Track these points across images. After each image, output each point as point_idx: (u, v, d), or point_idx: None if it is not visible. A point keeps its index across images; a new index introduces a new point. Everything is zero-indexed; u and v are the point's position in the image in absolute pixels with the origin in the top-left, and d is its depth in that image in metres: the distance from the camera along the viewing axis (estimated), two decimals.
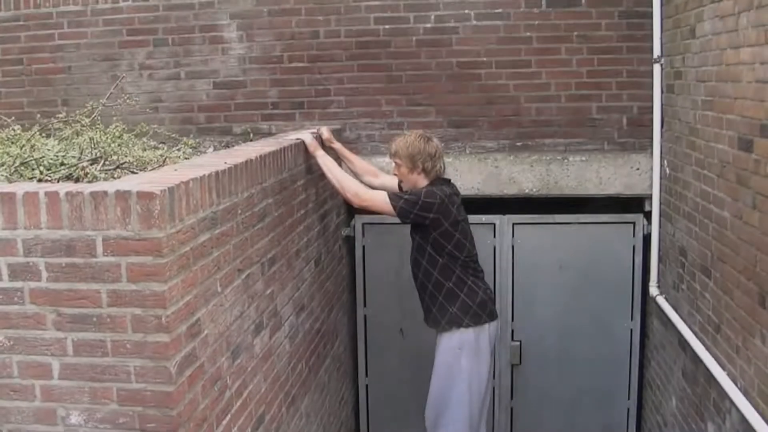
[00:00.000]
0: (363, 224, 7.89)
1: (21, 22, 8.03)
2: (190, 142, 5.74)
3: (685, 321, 6.41)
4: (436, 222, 5.90)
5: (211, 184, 3.83)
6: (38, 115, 6.42)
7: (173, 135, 6.14)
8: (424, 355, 7.81)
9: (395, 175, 6.23)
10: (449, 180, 6.31)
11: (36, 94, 8.07)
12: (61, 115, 5.52)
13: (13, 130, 5.31)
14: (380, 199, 5.83)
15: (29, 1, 8.04)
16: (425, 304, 6.26)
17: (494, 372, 7.89)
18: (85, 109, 5.44)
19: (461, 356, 6.11)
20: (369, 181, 6.46)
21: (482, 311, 6.12)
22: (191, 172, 3.79)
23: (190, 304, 3.59)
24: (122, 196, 3.26)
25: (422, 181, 6.04)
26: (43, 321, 3.42)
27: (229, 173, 4.09)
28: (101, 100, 5.70)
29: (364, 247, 7.95)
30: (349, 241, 7.86)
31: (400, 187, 6.28)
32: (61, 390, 3.47)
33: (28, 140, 4.97)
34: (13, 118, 5.78)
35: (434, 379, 6.30)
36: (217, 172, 3.92)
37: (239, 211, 4.26)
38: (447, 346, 6.17)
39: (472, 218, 7.55)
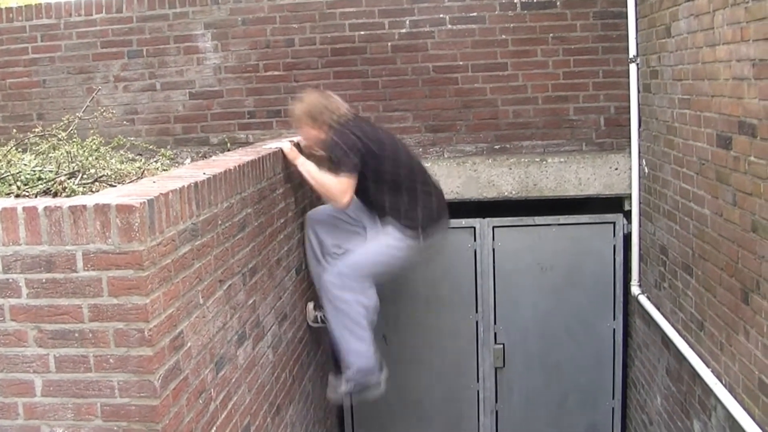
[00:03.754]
0: None
1: None
2: (167, 154, 5.72)
3: (667, 319, 6.43)
4: (369, 152, 5.85)
5: (190, 195, 3.80)
6: (14, 130, 6.37)
7: (150, 147, 6.11)
8: (408, 361, 7.83)
9: (307, 147, 6.13)
10: (357, 114, 6.28)
11: (11, 109, 8.01)
12: (37, 130, 5.49)
13: None
14: (346, 182, 5.74)
15: (1, 16, 7.98)
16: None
17: (478, 375, 7.92)
18: (62, 123, 5.40)
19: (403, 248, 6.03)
20: None
21: (424, 224, 6.04)
22: (170, 183, 3.77)
23: (173, 316, 3.55)
24: (101, 209, 3.23)
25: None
26: (24, 338, 3.38)
27: (208, 184, 4.06)
28: (77, 114, 5.67)
29: None
30: None
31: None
32: (45, 407, 3.43)
33: (5, 155, 4.93)
34: None
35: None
36: (196, 183, 3.89)
37: (219, 222, 4.23)
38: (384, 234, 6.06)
39: (452, 222, 7.57)
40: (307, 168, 5.82)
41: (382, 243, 6.00)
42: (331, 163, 5.84)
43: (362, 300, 6.04)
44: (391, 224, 5.94)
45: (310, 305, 6.36)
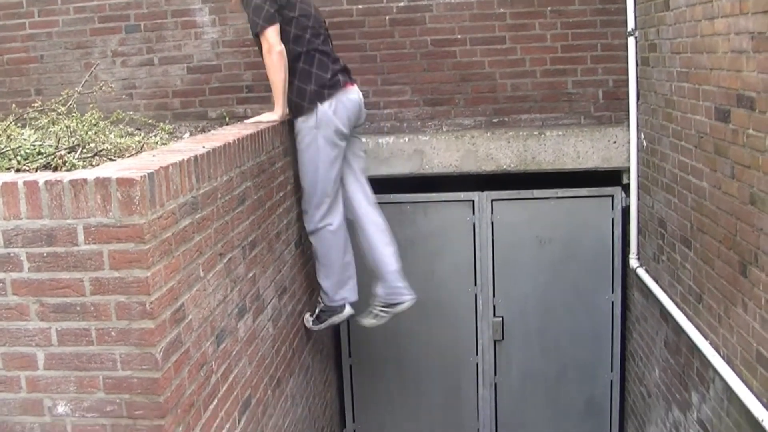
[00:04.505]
0: None
1: None
2: (166, 128, 5.71)
3: (666, 292, 6.44)
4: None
5: (190, 168, 3.81)
6: (13, 105, 6.36)
7: (149, 121, 6.10)
8: (407, 334, 7.86)
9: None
10: None
11: (9, 85, 7.99)
12: (36, 105, 5.48)
13: None
14: (268, 34, 5.85)
15: None
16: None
17: (477, 348, 7.95)
18: (61, 98, 5.40)
19: (318, 135, 6.03)
20: None
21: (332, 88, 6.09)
22: (170, 157, 3.78)
23: (174, 289, 3.58)
24: (102, 183, 3.24)
25: None
26: (26, 312, 3.40)
27: (207, 157, 4.07)
28: (76, 89, 5.66)
29: None
30: None
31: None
32: (47, 380, 3.46)
33: (4, 130, 4.93)
34: None
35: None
36: (195, 157, 3.90)
37: (219, 195, 4.25)
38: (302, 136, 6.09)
39: (450, 195, 7.60)
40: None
41: (305, 155, 6.08)
42: (248, 19, 5.96)
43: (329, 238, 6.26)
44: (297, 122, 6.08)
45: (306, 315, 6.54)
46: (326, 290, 6.39)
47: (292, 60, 5.96)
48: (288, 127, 6.02)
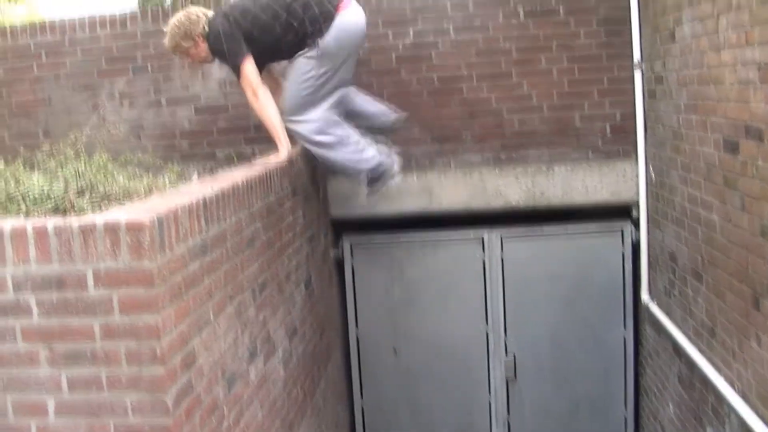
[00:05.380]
0: (351, 244, 7.87)
1: None
2: (174, 169, 5.70)
3: (678, 326, 6.40)
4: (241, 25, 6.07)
5: (199, 211, 3.80)
6: (21, 148, 6.36)
7: (157, 162, 6.10)
8: (419, 373, 7.82)
9: (192, 62, 6.40)
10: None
11: (17, 127, 8.00)
12: (44, 148, 5.48)
13: None
14: (246, 71, 6.04)
15: (6, 34, 7.99)
16: None
17: (489, 387, 7.90)
18: (69, 141, 5.40)
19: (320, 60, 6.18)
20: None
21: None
22: (179, 199, 3.76)
23: (184, 333, 3.55)
24: (111, 227, 3.22)
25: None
26: (36, 358, 3.37)
27: (216, 199, 4.06)
28: (84, 131, 5.66)
29: (353, 267, 7.92)
30: (338, 261, 7.82)
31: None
32: (58, 428, 3.42)
33: (13, 174, 4.92)
34: None
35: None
36: (204, 199, 3.89)
37: (228, 237, 4.23)
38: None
39: (460, 233, 7.59)
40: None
41: (293, 75, 6.20)
42: (227, 65, 6.18)
43: (330, 126, 6.30)
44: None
45: None
46: (356, 162, 6.43)
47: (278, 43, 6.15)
48: (298, 166, 6.02)
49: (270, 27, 6.04)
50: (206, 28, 6.02)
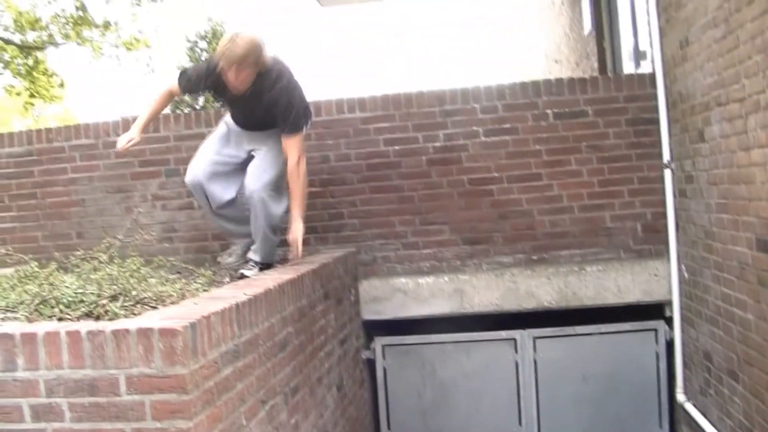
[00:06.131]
0: (383, 346, 7.83)
1: (34, 157, 8.09)
2: (206, 273, 5.73)
3: (715, 426, 6.31)
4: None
5: (232, 316, 3.81)
6: (54, 249, 6.41)
7: (188, 266, 6.12)
8: None
9: (235, 87, 6.03)
10: None
11: (51, 228, 8.07)
12: (78, 252, 5.52)
13: (31, 267, 5.31)
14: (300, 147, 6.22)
15: (42, 136, 8.12)
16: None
17: None
18: (102, 245, 5.44)
19: None
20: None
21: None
22: (211, 305, 3.78)
23: None
24: (144, 333, 3.24)
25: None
26: None
27: (249, 304, 4.07)
28: (117, 236, 5.70)
29: (384, 369, 7.87)
30: (370, 363, 7.78)
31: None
32: None
33: (47, 277, 4.96)
34: (29, 255, 5.77)
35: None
36: (237, 304, 3.90)
37: (260, 342, 4.23)
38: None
39: (492, 334, 7.55)
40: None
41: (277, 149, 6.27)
42: (285, 121, 6.13)
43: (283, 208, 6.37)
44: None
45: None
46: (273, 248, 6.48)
47: None
48: (330, 269, 6.03)
49: None
50: (265, 67, 6.02)
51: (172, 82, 6.32)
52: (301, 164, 6.12)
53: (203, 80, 6.17)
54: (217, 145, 6.46)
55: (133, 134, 6.29)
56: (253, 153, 6.38)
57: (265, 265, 6.31)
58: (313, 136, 7.63)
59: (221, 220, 6.59)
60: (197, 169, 6.37)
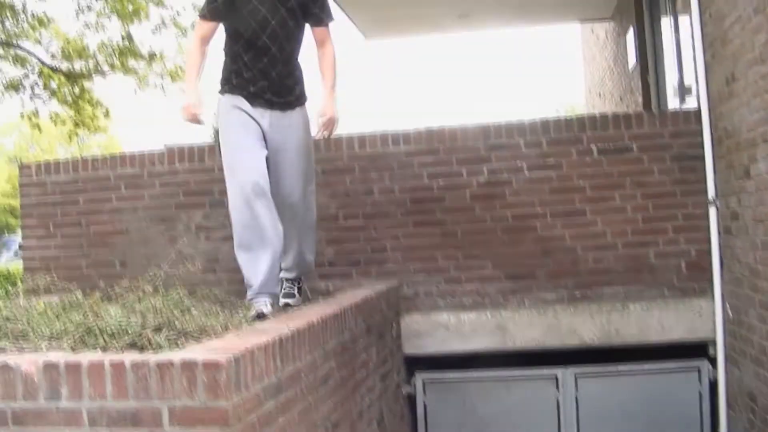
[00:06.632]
0: (424, 381, 7.80)
1: (79, 185, 8.18)
2: (248, 305, 5.74)
3: None
4: None
5: (275, 350, 3.81)
6: (98, 277, 6.44)
7: (231, 298, 6.14)
8: None
9: None
10: None
11: (94, 256, 8.14)
12: (123, 282, 5.55)
13: (75, 296, 5.35)
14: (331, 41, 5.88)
15: (87, 165, 8.21)
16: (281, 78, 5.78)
17: None
18: (147, 275, 5.47)
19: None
20: None
21: None
22: (255, 338, 3.79)
23: None
24: (188, 366, 3.25)
25: None
26: None
27: (292, 338, 4.08)
28: (162, 266, 5.73)
29: (425, 404, 7.83)
30: (411, 398, 7.75)
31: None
32: None
33: (91, 307, 4.99)
34: (73, 283, 5.82)
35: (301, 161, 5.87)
36: (280, 338, 3.91)
37: (303, 376, 4.23)
38: (306, 122, 5.90)
39: (533, 371, 7.50)
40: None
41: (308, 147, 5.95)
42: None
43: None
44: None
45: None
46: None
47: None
48: (372, 303, 6.03)
49: None
50: None
51: (196, 26, 5.92)
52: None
53: None
54: (249, 138, 5.64)
55: (193, 99, 5.55)
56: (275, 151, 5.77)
57: (300, 281, 6.15)
58: (357, 169, 7.66)
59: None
60: (256, 169, 5.54)
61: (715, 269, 7.14)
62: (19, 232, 8.11)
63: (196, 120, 5.60)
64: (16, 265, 23.48)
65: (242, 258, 5.57)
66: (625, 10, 12.51)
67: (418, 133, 7.73)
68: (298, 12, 5.68)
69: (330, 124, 5.75)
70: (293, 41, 5.74)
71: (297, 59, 5.85)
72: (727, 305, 6.98)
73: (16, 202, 28.34)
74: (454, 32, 15.80)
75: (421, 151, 7.67)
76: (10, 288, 6.02)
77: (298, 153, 5.80)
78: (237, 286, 7.46)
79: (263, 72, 5.63)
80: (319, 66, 5.88)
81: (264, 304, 5.30)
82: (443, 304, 7.41)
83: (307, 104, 5.90)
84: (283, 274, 5.99)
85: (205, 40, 5.74)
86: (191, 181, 7.94)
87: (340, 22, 12.67)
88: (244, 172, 5.44)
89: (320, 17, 5.78)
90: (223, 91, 5.72)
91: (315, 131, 5.84)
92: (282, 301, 5.84)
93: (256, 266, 5.46)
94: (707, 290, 7.28)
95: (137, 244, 8.05)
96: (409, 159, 7.66)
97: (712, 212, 7.12)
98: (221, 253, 7.86)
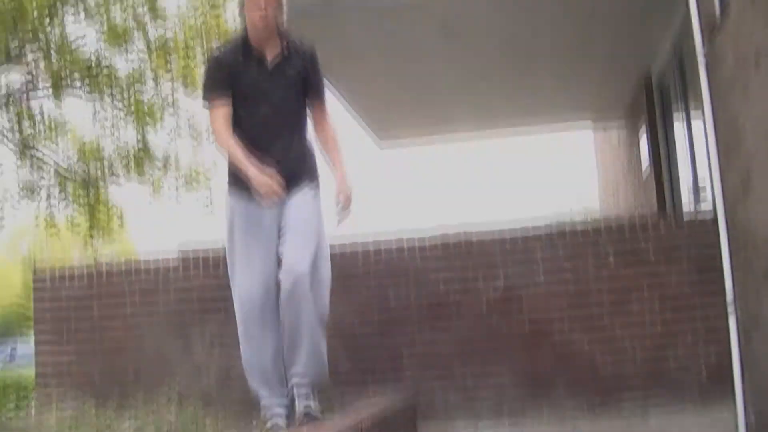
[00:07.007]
0: None
1: (93, 293, 8.18)
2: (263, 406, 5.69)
3: None
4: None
5: None
6: (111, 386, 6.40)
7: (246, 408, 6.08)
8: None
9: (261, 21, 5.55)
10: None
11: (109, 365, 8.06)
12: (137, 394, 5.53)
13: (88, 411, 5.33)
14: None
15: (102, 272, 8.24)
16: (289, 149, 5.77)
17: None
18: (161, 389, 5.45)
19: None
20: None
21: None
22: None
23: None
24: None
25: None
26: None
27: None
28: (176, 378, 5.70)
29: None
30: None
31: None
32: None
33: (104, 422, 4.96)
34: (87, 391, 5.78)
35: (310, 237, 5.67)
36: None
37: None
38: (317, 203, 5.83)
39: None
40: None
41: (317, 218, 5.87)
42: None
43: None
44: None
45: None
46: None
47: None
48: (389, 414, 5.97)
49: None
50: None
51: (211, 117, 5.72)
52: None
53: (224, 66, 5.68)
54: (247, 247, 5.81)
55: (262, 179, 5.41)
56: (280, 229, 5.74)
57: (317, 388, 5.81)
58: (372, 275, 7.64)
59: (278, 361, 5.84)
60: (249, 288, 5.76)
61: (737, 377, 7.05)
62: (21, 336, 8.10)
63: (278, 194, 5.49)
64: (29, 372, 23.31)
65: (244, 364, 5.79)
66: (637, 111, 12.61)
67: (433, 241, 7.74)
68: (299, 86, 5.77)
69: (348, 202, 5.74)
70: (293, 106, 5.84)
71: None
72: (751, 414, 6.88)
73: (28, 304, 28.33)
74: (467, 132, 15.81)
75: (437, 257, 7.67)
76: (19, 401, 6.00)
77: (306, 223, 5.73)
78: (252, 393, 7.43)
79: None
80: (322, 147, 5.95)
81: (279, 416, 5.26)
82: (460, 413, 7.32)
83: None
84: (295, 380, 5.75)
85: (228, 121, 5.65)
86: (206, 289, 7.91)
87: (353, 129, 12.82)
88: (239, 289, 5.53)
89: (319, 96, 5.89)
90: (228, 192, 5.86)
91: (334, 212, 5.82)
92: (300, 410, 5.59)
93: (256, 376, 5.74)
94: (729, 398, 7.17)
95: (152, 352, 7.97)
96: (424, 265, 7.65)
97: (731, 318, 7.04)
98: (237, 363, 7.79)
